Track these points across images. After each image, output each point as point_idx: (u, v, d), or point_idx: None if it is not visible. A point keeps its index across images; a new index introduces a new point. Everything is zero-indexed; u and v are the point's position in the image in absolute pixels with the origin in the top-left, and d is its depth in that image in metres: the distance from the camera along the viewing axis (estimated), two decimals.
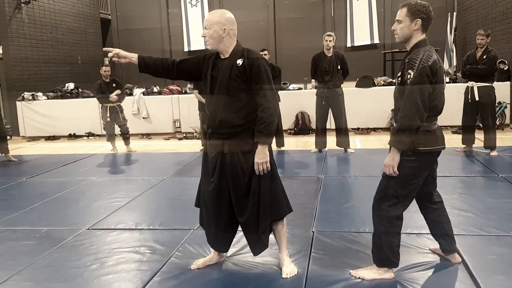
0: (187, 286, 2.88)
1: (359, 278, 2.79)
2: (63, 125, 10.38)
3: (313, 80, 9.36)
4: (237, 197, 2.83)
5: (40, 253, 3.49)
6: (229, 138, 2.80)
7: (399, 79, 2.65)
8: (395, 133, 2.58)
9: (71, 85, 11.18)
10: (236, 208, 2.85)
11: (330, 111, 6.98)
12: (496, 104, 7.33)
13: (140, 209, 4.59)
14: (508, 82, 8.85)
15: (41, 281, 3.05)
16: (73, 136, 10.38)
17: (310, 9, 13.36)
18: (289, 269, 2.93)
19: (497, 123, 8.02)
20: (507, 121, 8.87)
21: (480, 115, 6.46)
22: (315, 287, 2.76)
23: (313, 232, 3.64)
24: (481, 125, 7.19)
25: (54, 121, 10.41)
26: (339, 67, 6.75)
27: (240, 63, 2.73)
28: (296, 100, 9.40)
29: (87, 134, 10.33)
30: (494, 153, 6.29)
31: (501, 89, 7.66)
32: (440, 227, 2.90)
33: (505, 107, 8.77)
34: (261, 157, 2.74)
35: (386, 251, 2.73)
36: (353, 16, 12.98)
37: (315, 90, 7.17)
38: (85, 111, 10.08)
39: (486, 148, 6.42)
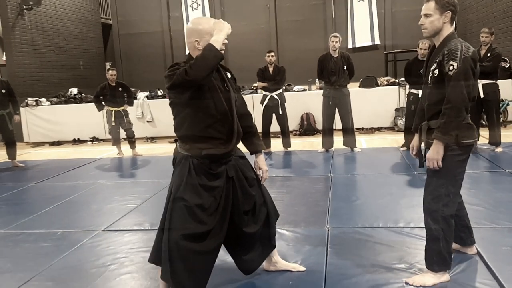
0: None
1: (420, 286, 2.68)
2: (67, 130, 10.42)
3: (317, 81, 9.45)
4: (245, 212, 2.65)
5: (59, 255, 3.53)
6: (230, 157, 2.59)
7: (435, 72, 2.59)
8: (442, 126, 2.51)
9: (74, 90, 11.24)
10: (241, 221, 2.63)
11: (336, 111, 7.04)
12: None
13: (154, 211, 4.60)
14: (510, 80, 8.91)
15: (63, 280, 3.10)
16: (77, 141, 10.41)
17: (311, 11, 13.45)
18: (295, 264, 3.01)
19: (500, 120, 8.07)
20: (510, 118, 8.95)
21: (485, 112, 6.52)
22: (334, 280, 2.82)
23: (327, 228, 3.69)
24: (483, 122, 7.27)
25: (58, 127, 10.45)
26: (345, 68, 6.81)
27: (230, 76, 2.65)
28: (301, 101, 9.44)
29: (91, 139, 10.36)
30: (499, 149, 6.36)
31: (503, 86, 7.68)
32: (461, 220, 2.90)
33: (508, 104, 8.83)
34: (266, 164, 2.79)
35: (444, 254, 2.66)
36: (353, 17, 13.07)
37: (320, 91, 7.24)
38: (89, 116, 10.09)
39: (491, 145, 6.48)
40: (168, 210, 2.45)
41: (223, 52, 2.35)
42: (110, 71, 7.98)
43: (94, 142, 10.29)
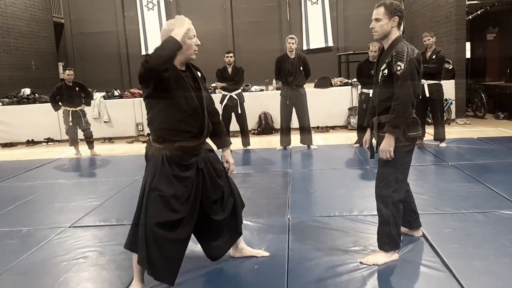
0: None
1: (372, 265, 2.95)
2: (20, 131, 10.14)
3: (274, 81, 9.72)
4: (214, 201, 2.84)
5: (27, 250, 3.58)
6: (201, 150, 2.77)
7: (385, 72, 2.87)
8: (392, 120, 2.78)
9: (27, 91, 10.95)
10: (210, 209, 2.82)
11: (293, 110, 7.31)
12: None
13: (119, 207, 4.70)
14: (453, 81, 9.57)
15: (34, 274, 3.16)
16: (31, 143, 10.17)
17: (267, 13, 13.74)
18: (260, 250, 3.22)
19: (444, 118, 8.64)
20: (453, 116, 9.59)
21: (430, 110, 7.01)
22: (296, 262, 3.06)
23: (288, 218, 3.94)
24: (429, 120, 7.79)
25: (10, 128, 10.15)
26: (301, 68, 7.09)
27: (200, 75, 2.84)
28: (259, 101, 9.66)
29: (46, 140, 10.15)
30: (443, 144, 6.86)
31: (446, 87, 8.28)
32: (409, 206, 3.21)
33: (451, 103, 9.48)
34: (232, 158, 3.01)
35: (394, 235, 2.95)
36: (308, 20, 13.48)
37: (277, 91, 7.48)
38: (43, 117, 9.90)
39: (436, 140, 6.97)
40: (144, 200, 2.61)
41: (196, 52, 2.53)
42: (67, 71, 7.90)
43: (49, 143, 10.09)
